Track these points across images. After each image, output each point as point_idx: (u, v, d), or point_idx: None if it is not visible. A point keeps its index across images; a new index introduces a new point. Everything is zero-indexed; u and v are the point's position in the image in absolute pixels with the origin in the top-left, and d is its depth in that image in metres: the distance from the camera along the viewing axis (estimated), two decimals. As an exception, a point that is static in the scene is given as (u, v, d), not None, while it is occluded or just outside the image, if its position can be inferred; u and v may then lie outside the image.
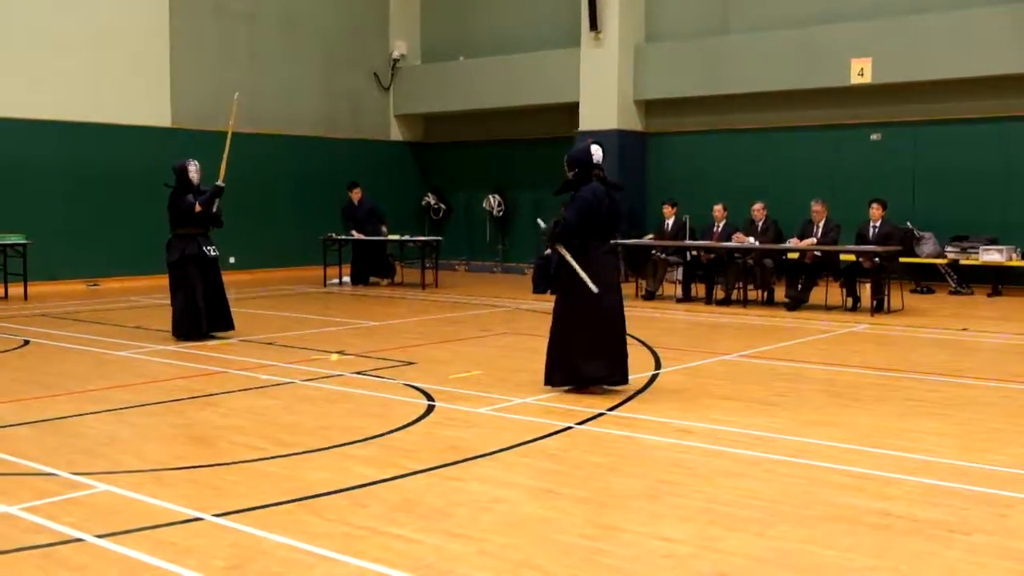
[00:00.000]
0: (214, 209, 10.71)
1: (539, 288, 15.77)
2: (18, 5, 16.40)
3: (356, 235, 17.57)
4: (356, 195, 18.08)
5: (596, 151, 7.63)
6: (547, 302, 14.54)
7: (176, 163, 10.91)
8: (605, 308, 7.49)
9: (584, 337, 7.47)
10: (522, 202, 20.87)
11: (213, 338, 10.59)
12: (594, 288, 7.36)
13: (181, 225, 10.69)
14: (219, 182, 10.75)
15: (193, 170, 10.78)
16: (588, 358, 7.47)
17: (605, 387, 7.67)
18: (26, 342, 10.49)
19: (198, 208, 10.56)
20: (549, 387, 7.72)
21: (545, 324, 12.27)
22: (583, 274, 7.40)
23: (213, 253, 10.69)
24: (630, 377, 7.70)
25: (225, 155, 10.97)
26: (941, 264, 15.82)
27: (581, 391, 7.62)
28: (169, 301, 10.82)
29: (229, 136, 11.08)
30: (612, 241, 7.81)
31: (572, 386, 7.66)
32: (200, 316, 10.53)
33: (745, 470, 5.54)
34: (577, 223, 7.49)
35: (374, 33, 21.94)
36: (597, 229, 7.53)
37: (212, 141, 18.55)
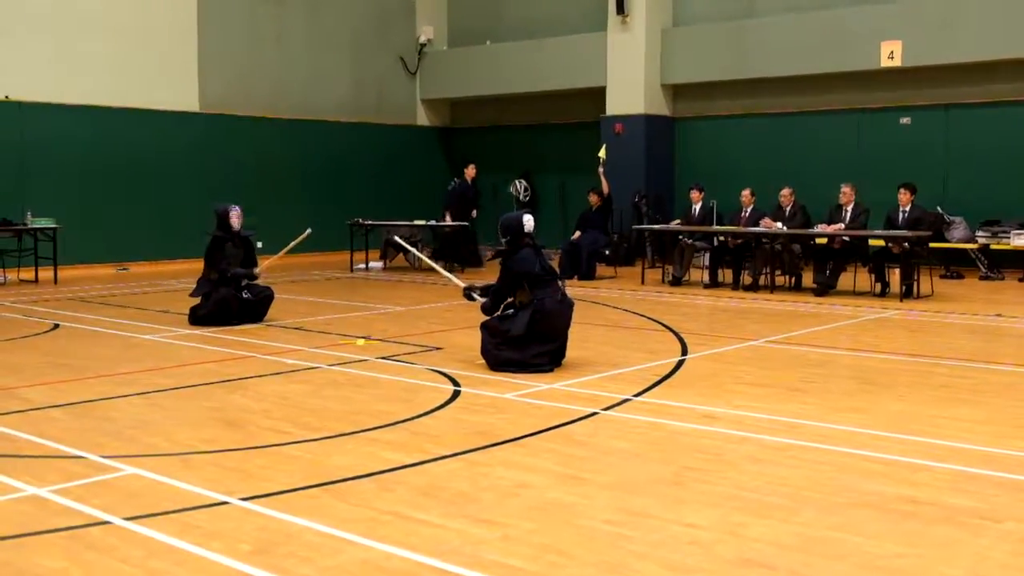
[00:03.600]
0: (242, 284, 10.70)
1: (566, 273, 15.74)
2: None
3: (448, 219, 17.50)
4: (471, 172, 17.94)
5: (528, 221, 8.22)
6: (572, 287, 14.53)
7: (218, 207, 10.81)
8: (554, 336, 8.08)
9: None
10: (549, 187, 20.84)
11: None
12: (459, 283, 8.86)
13: (213, 268, 10.62)
14: (256, 271, 10.79)
15: (235, 216, 10.66)
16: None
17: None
18: (56, 326, 10.58)
19: (229, 276, 10.50)
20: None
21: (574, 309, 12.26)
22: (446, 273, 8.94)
23: (246, 295, 10.64)
24: (658, 362, 7.67)
25: (274, 258, 11.31)
26: (972, 249, 15.67)
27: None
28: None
29: (286, 250, 11.38)
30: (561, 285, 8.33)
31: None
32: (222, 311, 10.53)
33: (771, 456, 5.51)
34: (503, 288, 8.16)
35: (401, 17, 21.92)
36: (538, 283, 8.07)
37: (239, 125, 18.71)
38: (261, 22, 19.42)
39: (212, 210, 10.94)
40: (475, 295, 8.65)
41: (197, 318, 10.59)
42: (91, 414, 6.58)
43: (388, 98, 21.90)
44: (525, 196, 20.64)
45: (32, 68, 16.38)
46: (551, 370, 7.98)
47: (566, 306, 8.18)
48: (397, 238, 10.10)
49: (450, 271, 12.31)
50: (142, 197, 17.62)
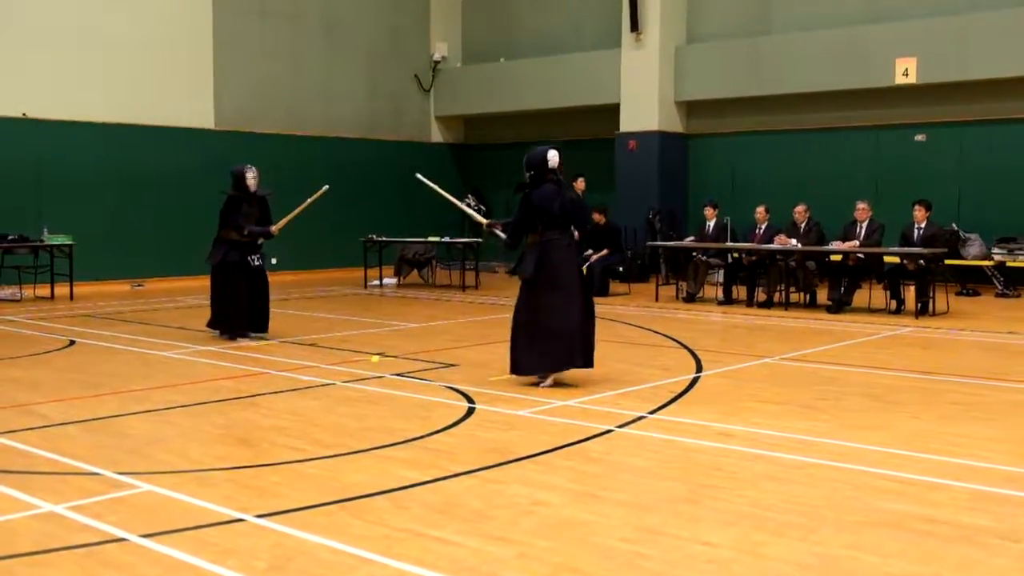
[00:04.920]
0: (258, 242, 10.81)
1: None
2: (63, 8, 16.63)
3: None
4: (580, 185, 17.78)
5: (552, 156, 8.13)
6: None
7: (235, 168, 10.90)
8: (568, 295, 7.94)
9: (555, 324, 7.85)
10: (562, 203, 20.84)
11: (247, 338, 10.68)
12: (481, 219, 9.00)
13: (228, 229, 10.75)
14: (273, 229, 10.82)
15: (251, 176, 10.75)
16: (560, 344, 7.86)
17: (572, 371, 8.07)
18: (72, 342, 10.63)
19: (246, 233, 10.64)
20: (522, 377, 8.08)
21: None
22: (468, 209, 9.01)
23: (257, 263, 10.74)
24: (673, 379, 7.66)
25: (292, 215, 11.02)
26: (987, 266, 15.60)
27: (552, 376, 7.99)
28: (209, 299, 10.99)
29: (303, 205, 11.08)
30: (576, 235, 8.30)
31: (543, 371, 7.99)
32: (234, 319, 10.65)
33: (787, 474, 5.49)
34: (523, 219, 8.09)
35: (415, 35, 22.03)
36: (552, 224, 8.02)
37: (255, 142, 18.79)
38: (276, 39, 19.55)
39: (228, 171, 10.98)
40: (497, 230, 8.66)
41: (212, 324, 10.76)
42: (107, 430, 6.60)
43: (402, 115, 21.99)
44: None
45: (49, 86, 16.50)
46: (583, 366, 8.01)
47: (572, 251, 8.18)
48: (419, 175, 10.04)
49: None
50: (158, 214, 17.71)
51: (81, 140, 16.82)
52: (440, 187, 9.73)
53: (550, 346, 7.88)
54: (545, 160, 8.10)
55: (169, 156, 17.84)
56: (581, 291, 8.11)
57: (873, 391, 7.98)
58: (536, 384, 7.99)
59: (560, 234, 8.07)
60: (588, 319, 8.08)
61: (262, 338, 10.71)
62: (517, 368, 8.07)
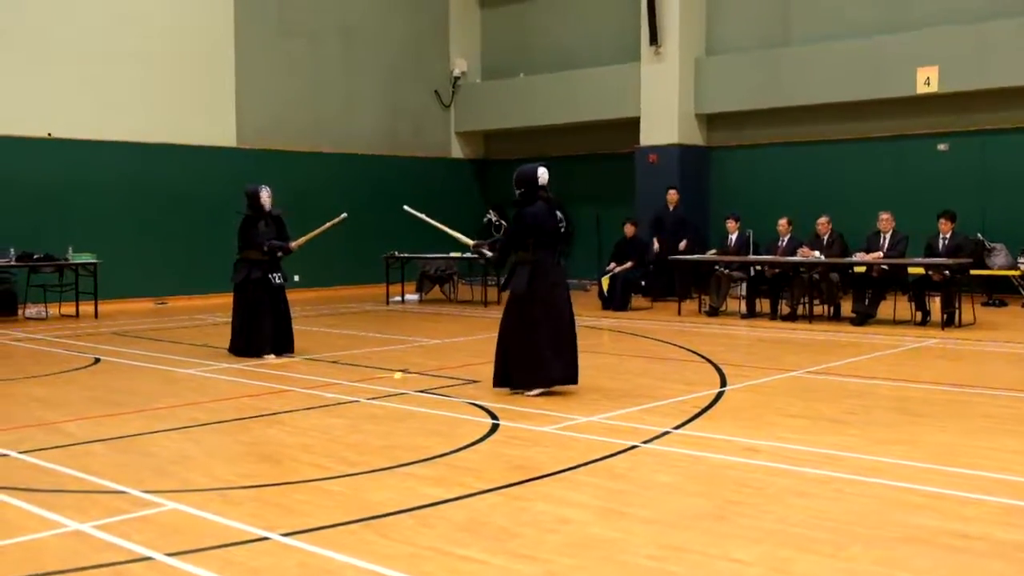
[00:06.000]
0: (277, 254, 10.86)
1: (604, 304, 15.71)
2: (87, 29, 16.77)
3: (656, 244, 17.30)
4: (672, 197, 17.65)
5: (542, 173, 8.27)
6: (608, 318, 14.50)
7: (249, 187, 10.99)
8: (559, 312, 8.16)
9: (545, 340, 8.04)
10: (583, 218, 20.76)
11: (271, 355, 10.66)
12: (468, 241, 9.23)
13: (248, 250, 10.82)
14: (292, 245, 10.89)
15: (265, 195, 10.83)
16: (550, 360, 8.05)
17: (557, 388, 8.23)
18: (97, 360, 10.68)
19: (265, 249, 10.71)
20: (506, 389, 8.25)
21: (609, 341, 12.23)
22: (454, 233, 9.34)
23: (278, 281, 10.78)
24: (697, 393, 7.63)
25: (310, 235, 11.18)
26: (1014, 276, 15.47)
27: (538, 392, 8.15)
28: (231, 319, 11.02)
29: (322, 229, 11.28)
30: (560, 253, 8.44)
31: (530, 387, 8.15)
32: (257, 337, 10.65)
33: (815, 490, 5.43)
34: (514, 236, 8.29)
35: (435, 51, 22.11)
36: (544, 242, 8.21)
37: (276, 160, 18.88)
38: (297, 57, 19.65)
39: (243, 191, 11.07)
40: (484, 250, 8.86)
41: (233, 346, 10.77)
42: (132, 449, 6.62)
43: (423, 131, 22.05)
44: (560, 227, 20.59)
45: (73, 106, 16.63)
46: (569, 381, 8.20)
47: (562, 268, 8.35)
48: (407, 207, 10.31)
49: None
50: (181, 232, 17.81)
51: (105, 160, 16.94)
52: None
53: (542, 362, 8.05)
54: (535, 177, 8.24)
55: (192, 174, 17.95)
56: (571, 309, 8.32)
57: (901, 404, 7.91)
58: (521, 393, 8.19)
59: (551, 252, 8.26)
60: (574, 336, 8.29)
61: (288, 357, 10.72)
62: (506, 382, 8.24)
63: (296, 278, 18.20)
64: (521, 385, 8.20)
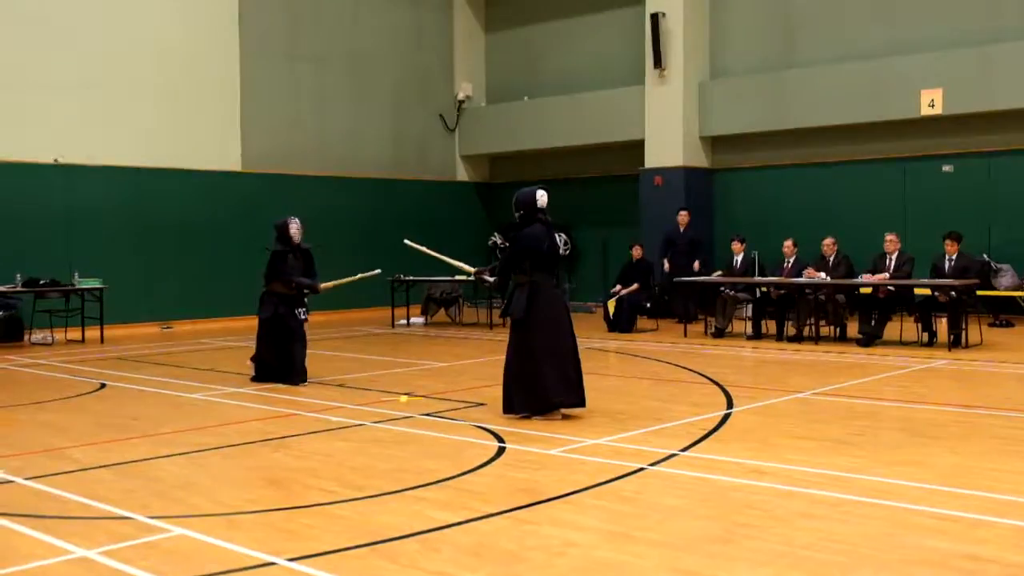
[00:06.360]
0: (304, 292, 10.79)
1: (609, 327, 15.70)
2: (92, 54, 16.86)
3: (667, 265, 17.28)
4: (683, 219, 17.58)
5: (541, 196, 8.37)
6: (614, 340, 14.48)
7: (278, 221, 10.83)
8: (560, 335, 8.20)
9: (546, 364, 8.07)
10: (589, 241, 20.84)
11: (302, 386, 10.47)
12: (469, 268, 9.36)
13: (275, 283, 10.66)
14: (321, 287, 10.86)
15: (295, 228, 10.68)
16: (552, 383, 8.07)
17: (564, 412, 8.19)
18: (103, 385, 10.68)
19: (293, 286, 10.61)
20: (512, 415, 8.25)
21: (615, 363, 12.22)
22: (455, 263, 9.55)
23: (303, 316, 10.72)
24: (704, 415, 7.61)
25: (342, 281, 11.37)
26: (1020, 297, 15.43)
27: (543, 416, 8.14)
28: (254, 350, 10.87)
29: (355, 278, 11.52)
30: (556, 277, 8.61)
31: (533, 412, 8.17)
32: (277, 367, 10.56)
33: (823, 512, 5.40)
34: (512, 258, 8.35)
35: (439, 75, 22.19)
36: (541, 264, 8.30)
37: (282, 184, 18.93)
38: (302, 81, 19.72)
39: (272, 225, 10.94)
40: (485, 275, 8.94)
41: (257, 377, 10.67)
42: (138, 474, 6.60)
43: (428, 154, 22.11)
44: (565, 250, 20.58)
45: (79, 131, 16.69)
46: (578, 404, 8.17)
47: (561, 292, 8.43)
48: (407, 240, 10.44)
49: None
50: (186, 257, 17.82)
51: (111, 185, 16.98)
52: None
53: (545, 386, 8.07)
54: (534, 200, 8.33)
55: (197, 199, 17.98)
56: (572, 331, 8.32)
57: (909, 425, 7.88)
58: (528, 417, 8.19)
59: (548, 275, 8.34)
60: (578, 359, 8.31)
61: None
62: (511, 408, 8.28)
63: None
64: (526, 409, 8.21)
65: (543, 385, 8.08)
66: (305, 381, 10.55)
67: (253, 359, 10.82)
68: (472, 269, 9.37)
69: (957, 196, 16.53)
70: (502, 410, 8.35)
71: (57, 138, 16.47)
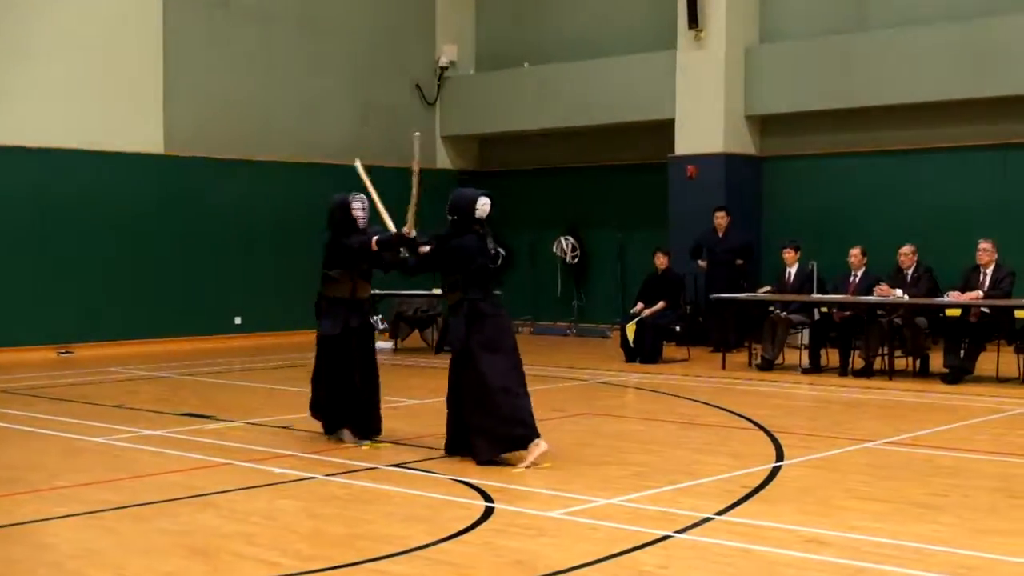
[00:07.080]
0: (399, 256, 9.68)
1: (628, 356, 15.70)
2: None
3: (702, 264, 17.61)
4: (721, 222, 17.87)
5: (483, 205, 8.72)
6: (634, 372, 14.50)
7: (336, 198, 10.02)
8: (508, 355, 8.60)
9: (499, 392, 8.43)
10: (603, 246, 20.85)
11: (347, 439, 9.74)
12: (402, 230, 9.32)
13: (342, 267, 9.79)
14: (405, 230, 9.44)
15: (358, 207, 9.88)
16: (510, 414, 8.42)
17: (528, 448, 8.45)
18: (-18, 425, 10.68)
19: (375, 247, 9.58)
20: (458, 457, 8.64)
21: (634, 402, 12.23)
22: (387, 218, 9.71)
23: (382, 326, 10.25)
24: (747, 470, 7.63)
25: (414, 198, 9.73)
26: None
27: (523, 449, 8.42)
28: (310, 382, 10.11)
29: (416, 177, 9.98)
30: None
31: (504, 450, 8.48)
32: (341, 405, 9.70)
33: (898, 594, 5.43)
34: (432, 261, 9.00)
35: (417, 35, 22.22)
36: (475, 280, 8.65)
37: (216, 171, 18.94)
38: (243, 45, 19.67)
39: (327, 208, 10.05)
40: (418, 239, 9.13)
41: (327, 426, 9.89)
42: (24, 539, 6.60)
43: (400, 135, 22.06)
44: (573, 257, 20.68)
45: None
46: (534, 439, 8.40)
47: (501, 308, 8.74)
48: (358, 162, 10.32)
49: None
50: (90, 261, 17.72)
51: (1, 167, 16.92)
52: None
53: (501, 418, 8.41)
54: (472, 207, 8.69)
55: (108, 188, 17.91)
56: (516, 349, 8.71)
57: (1006, 484, 7.91)
58: (500, 462, 8.42)
59: (485, 291, 8.67)
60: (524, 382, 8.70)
61: (378, 441, 9.69)
62: (459, 448, 8.71)
63: (237, 320, 18.22)
64: (495, 450, 8.48)
65: (503, 417, 8.42)
66: (379, 432, 9.79)
67: (317, 407, 9.90)
68: (405, 229, 9.06)
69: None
70: (444, 451, 8.83)
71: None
